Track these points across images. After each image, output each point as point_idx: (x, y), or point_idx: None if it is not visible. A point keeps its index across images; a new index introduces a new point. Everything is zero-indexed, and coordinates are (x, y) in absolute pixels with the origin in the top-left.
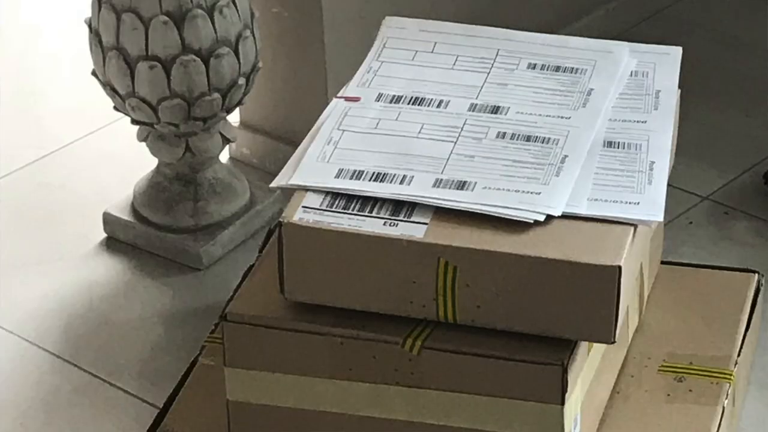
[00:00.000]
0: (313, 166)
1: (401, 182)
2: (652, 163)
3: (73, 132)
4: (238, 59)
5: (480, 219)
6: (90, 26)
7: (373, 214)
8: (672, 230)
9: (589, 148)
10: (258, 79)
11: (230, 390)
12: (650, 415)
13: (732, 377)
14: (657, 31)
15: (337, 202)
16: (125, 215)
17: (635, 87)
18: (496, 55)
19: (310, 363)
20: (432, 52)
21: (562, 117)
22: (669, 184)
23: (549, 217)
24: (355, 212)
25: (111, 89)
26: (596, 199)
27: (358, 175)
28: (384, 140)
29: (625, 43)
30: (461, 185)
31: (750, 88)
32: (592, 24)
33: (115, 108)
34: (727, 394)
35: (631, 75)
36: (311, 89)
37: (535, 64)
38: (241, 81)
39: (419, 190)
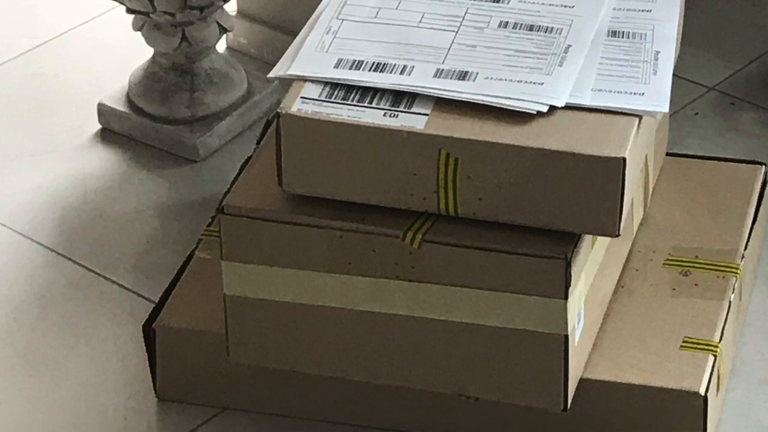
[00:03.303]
0: (311, 56)
1: (401, 72)
2: (657, 52)
3: (67, 21)
4: None
5: (482, 110)
6: None
7: (373, 105)
8: (677, 121)
9: (593, 37)
10: None
11: (227, 284)
12: (655, 310)
13: (738, 271)
14: None
15: (336, 93)
16: (120, 106)
17: None
18: None
19: (308, 257)
20: None
21: (565, 6)
22: (674, 74)
23: (552, 108)
24: (354, 103)
25: None
26: (600, 90)
27: (357, 65)
28: (384, 29)
29: None
30: (463, 75)
31: None
32: None
33: None
34: (734, 288)
35: None
36: None
37: None
38: None
39: (420, 80)
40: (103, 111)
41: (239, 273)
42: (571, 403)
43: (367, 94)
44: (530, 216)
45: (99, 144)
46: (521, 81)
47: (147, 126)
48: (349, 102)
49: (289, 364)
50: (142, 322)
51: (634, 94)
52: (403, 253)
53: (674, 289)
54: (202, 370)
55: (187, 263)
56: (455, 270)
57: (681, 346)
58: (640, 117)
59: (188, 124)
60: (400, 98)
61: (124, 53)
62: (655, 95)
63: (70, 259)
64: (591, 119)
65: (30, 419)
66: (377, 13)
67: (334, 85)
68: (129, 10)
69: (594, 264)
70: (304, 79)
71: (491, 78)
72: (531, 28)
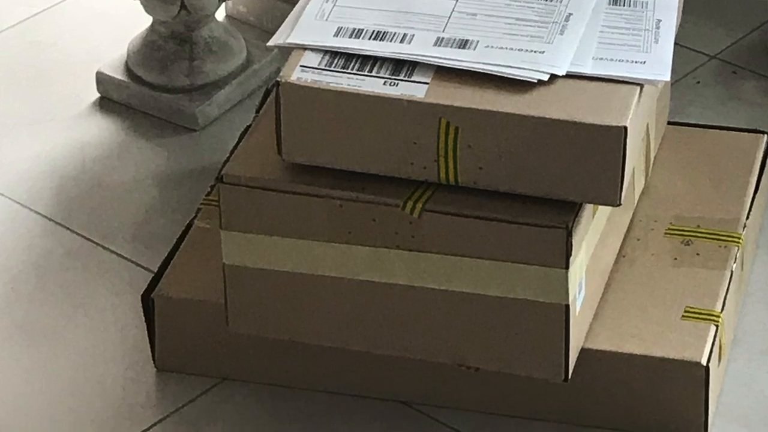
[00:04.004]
0: (311, 24)
1: (402, 41)
2: (659, 21)
3: None
4: None
5: (482, 79)
6: None
7: (373, 73)
8: (679, 90)
9: (594, 5)
10: None
11: (226, 254)
12: (657, 279)
13: (740, 240)
14: None
15: (336, 61)
16: (119, 74)
17: None
18: None
19: (308, 226)
20: None
21: None
22: (676, 43)
23: (553, 77)
24: (354, 71)
25: None
26: (601, 58)
27: (357, 33)
28: None
29: None
30: (463, 44)
31: None
32: None
33: None
34: (736, 258)
35: None
36: None
37: None
38: None
39: (420, 48)
40: (102, 80)
41: (238, 242)
42: (572, 374)
43: (367, 62)
44: (531, 185)
45: (97, 113)
46: (522, 49)
47: (146, 95)
48: (348, 70)
49: (288, 334)
50: (141, 292)
51: (636, 62)
52: (403, 223)
53: (676, 259)
54: (201, 340)
55: (186, 233)
56: (455, 239)
57: (682, 316)
58: (641, 86)
59: (187, 92)
60: (400, 67)
61: (123, 21)
62: (657, 64)
63: (68, 228)
64: (592, 88)
65: (28, 389)
66: None
67: (333, 54)
68: None
69: (595, 233)
70: (304, 48)
71: (492, 46)
72: None
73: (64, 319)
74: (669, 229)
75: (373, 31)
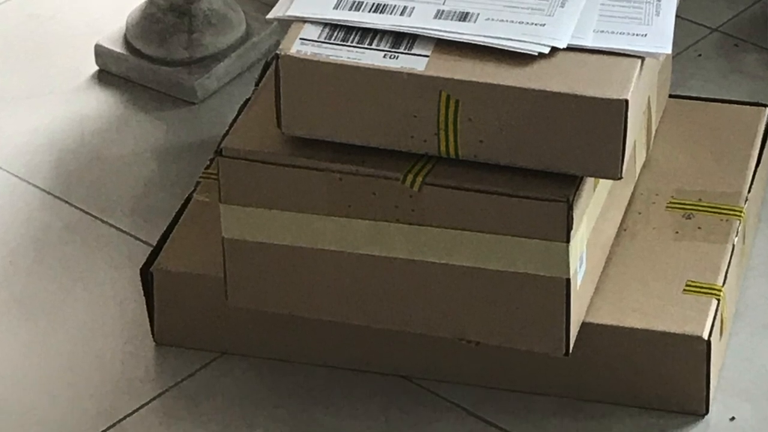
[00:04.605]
0: None
1: (402, 13)
2: None
3: None
4: None
5: (483, 51)
6: None
7: (373, 46)
8: (680, 63)
9: None
10: None
11: (225, 227)
12: (658, 253)
13: (742, 214)
14: None
15: (335, 34)
16: (117, 47)
17: None
18: None
19: (307, 199)
20: None
21: None
22: (677, 15)
23: (554, 50)
24: (354, 44)
25: None
26: (602, 31)
27: (357, 5)
28: None
29: None
30: (463, 17)
31: None
32: None
33: None
34: (737, 232)
35: None
36: None
37: None
38: None
39: (420, 21)
40: (101, 52)
41: (238, 216)
42: (573, 348)
43: (367, 35)
44: (532, 158)
45: (96, 86)
46: (522, 22)
47: (145, 68)
48: (348, 43)
49: (288, 308)
50: (140, 266)
51: (637, 35)
52: (404, 196)
53: (677, 233)
54: (200, 314)
55: (185, 206)
56: (456, 213)
57: (684, 290)
58: (642, 58)
59: (186, 65)
60: (401, 39)
61: None
62: (658, 36)
63: (66, 202)
64: (593, 61)
65: (26, 364)
66: None
67: (333, 27)
68: None
69: (596, 207)
70: (304, 21)
71: (492, 19)
72: None
73: (62, 293)
74: (670, 202)
75: (373, 4)
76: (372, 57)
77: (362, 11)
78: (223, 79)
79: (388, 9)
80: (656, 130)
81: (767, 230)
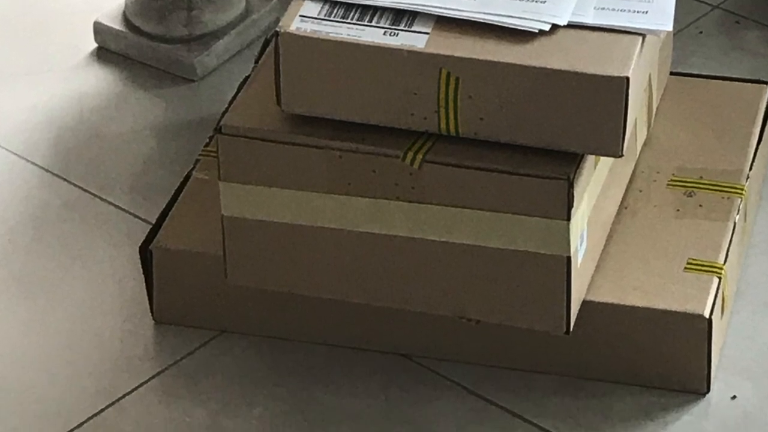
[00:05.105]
0: None
1: None
2: None
3: None
4: None
5: (483, 29)
6: None
7: (373, 23)
8: (681, 40)
9: None
10: None
11: (225, 205)
12: (659, 231)
13: (743, 192)
14: None
15: (335, 11)
16: (116, 24)
17: None
18: None
19: (307, 177)
20: None
21: None
22: None
23: (554, 27)
24: (354, 21)
25: None
26: (603, 8)
27: None
28: None
29: None
30: None
31: None
32: None
33: None
34: (739, 209)
35: None
36: None
37: None
38: None
39: None
40: (100, 30)
41: (237, 194)
42: (574, 326)
43: (367, 12)
44: (532, 136)
45: (95, 63)
46: None
47: (144, 45)
48: (348, 20)
49: (287, 286)
50: (139, 244)
51: (638, 12)
52: (404, 174)
53: (678, 210)
54: (199, 292)
55: (184, 184)
56: (456, 190)
57: (685, 268)
58: (643, 36)
59: (186, 42)
60: (401, 17)
61: None
62: (659, 13)
63: (65, 179)
64: (594, 38)
65: (25, 342)
66: None
67: (333, 3)
68: None
69: (597, 185)
70: None
71: None
72: None
73: (61, 271)
74: (671, 180)
75: None
76: (372, 34)
77: None
78: (223, 57)
79: None
80: (657, 108)
81: None
